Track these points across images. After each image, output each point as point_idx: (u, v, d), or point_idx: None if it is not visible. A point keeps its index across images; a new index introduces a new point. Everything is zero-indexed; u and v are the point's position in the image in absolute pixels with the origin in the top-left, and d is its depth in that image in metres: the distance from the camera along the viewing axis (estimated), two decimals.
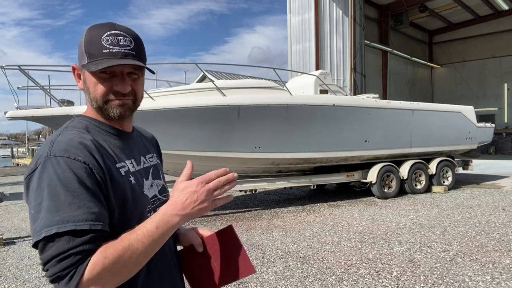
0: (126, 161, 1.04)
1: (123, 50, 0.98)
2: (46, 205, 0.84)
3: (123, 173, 1.00)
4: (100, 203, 0.89)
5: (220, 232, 1.16)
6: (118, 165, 1.00)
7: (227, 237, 1.15)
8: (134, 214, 0.99)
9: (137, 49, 1.02)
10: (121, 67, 0.99)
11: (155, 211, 1.07)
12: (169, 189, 1.20)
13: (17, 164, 31.53)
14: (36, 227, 0.84)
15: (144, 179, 1.08)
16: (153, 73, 1.08)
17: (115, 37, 0.98)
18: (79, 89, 1.05)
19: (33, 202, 0.87)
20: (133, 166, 1.06)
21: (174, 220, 0.89)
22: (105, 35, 0.98)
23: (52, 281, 0.84)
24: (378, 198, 8.72)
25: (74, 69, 1.05)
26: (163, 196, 1.15)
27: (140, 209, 1.02)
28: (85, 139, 0.96)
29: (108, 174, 0.94)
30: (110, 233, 0.90)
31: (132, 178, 1.02)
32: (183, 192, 0.90)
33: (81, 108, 6.09)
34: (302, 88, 8.63)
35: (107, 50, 0.97)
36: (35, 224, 0.84)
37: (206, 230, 1.21)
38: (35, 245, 0.85)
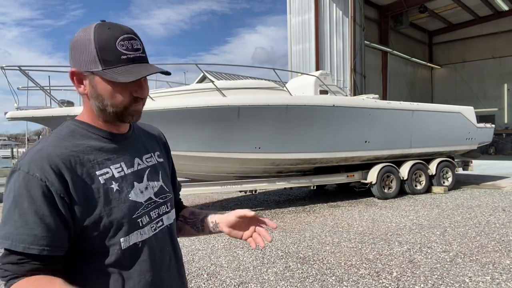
0: (112, 167, 1.00)
1: (138, 55, 0.96)
2: (2, 215, 0.89)
3: (102, 181, 0.97)
4: (46, 225, 0.88)
5: None
6: (98, 172, 0.97)
7: None
8: (114, 221, 0.96)
9: (145, 51, 1.00)
10: None
11: (149, 215, 1.05)
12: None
13: None
14: None
15: (135, 183, 1.04)
16: (169, 74, 1.06)
17: (129, 41, 0.96)
18: (81, 93, 1.00)
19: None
20: (121, 171, 1.02)
21: None
22: (119, 39, 0.94)
23: None
24: (378, 198, 8.71)
25: (73, 73, 0.98)
26: (159, 198, 1.10)
27: (122, 216, 0.98)
28: (58, 149, 0.94)
29: (75, 188, 0.92)
30: (62, 255, 0.92)
31: (114, 185, 0.99)
32: None
33: (81, 109, 6.09)
34: (302, 89, 8.63)
35: (125, 57, 0.94)
36: None
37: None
38: None
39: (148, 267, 1.03)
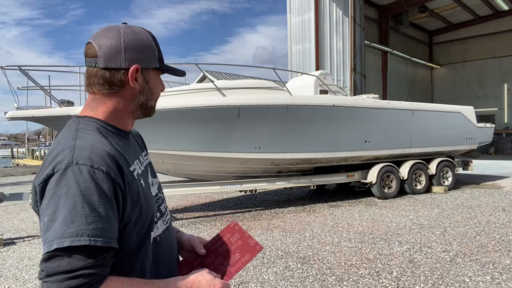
0: (135, 163, 1.04)
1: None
2: (61, 214, 0.81)
3: (136, 176, 0.99)
4: (114, 218, 0.87)
5: (223, 231, 1.20)
6: (131, 168, 0.99)
7: (230, 231, 1.20)
8: (147, 216, 0.99)
9: None
10: None
11: (159, 209, 1.09)
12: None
13: (17, 165, 31.52)
14: (48, 237, 0.80)
15: (147, 179, 1.08)
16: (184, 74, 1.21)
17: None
18: (137, 90, 1.04)
19: (47, 209, 0.83)
20: (140, 167, 1.06)
21: None
22: (153, 41, 1.07)
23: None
24: (378, 198, 8.71)
25: (137, 69, 1.01)
26: (161, 193, 1.16)
27: (152, 211, 1.02)
28: (106, 145, 0.94)
29: (126, 182, 0.92)
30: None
31: (142, 181, 1.02)
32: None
33: (81, 108, 6.09)
34: (302, 89, 8.64)
35: (162, 57, 1.10)
36: (47, 233, 0.81)
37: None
38: (45, 255, 0.81)
39: (166, 258, 1.07)
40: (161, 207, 1.10)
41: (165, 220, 1.10)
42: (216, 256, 1.14)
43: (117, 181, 0.89)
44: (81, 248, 0.79)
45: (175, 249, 1.14)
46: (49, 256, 0.79)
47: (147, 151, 1.23)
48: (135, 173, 1.00)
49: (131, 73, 1.00)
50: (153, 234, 1.02)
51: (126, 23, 1.05)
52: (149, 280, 0.91)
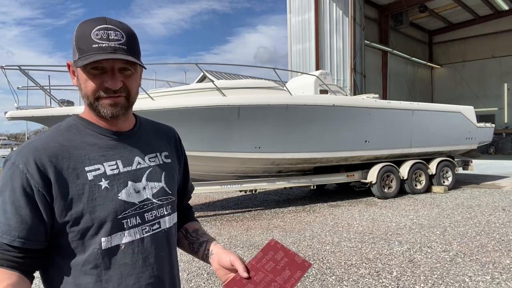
0: (105, 163, 0.99)
1: (113, 45, 0.94)
2: None
3: (90, 177, 0.96)
4: (20, 216, 0.90)
5: (264, 249, 1.12)
6: (88, 168, 0.96)
7: (272, 249, 1.12)
8: (96, 219, 0.94)
9: (129, 43, 0.97)
10: (111, 63, 0.95)
11: (142, 216, 1.01)
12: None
13: None
14: None
15: (130, 182, 1.01)
16: (144, 68, 1.05)
17: (105, 31, 0.94)
18: (75, 86, 1.04)
19: None
20: (115, 168, 1.00)
21: None
22: (95, 29, 0.94)
23: None
24: (378, 198, 8.71)
25: (68, 65, 1.03)
26: (158, 200, 1.06)
27: (106, 215, 0.95)
28: (47, 143, 0.96)
29: (58, 183, 0.92)
30: (41, 249, 0.93)
31: (103, 183, 0.97)
32: None
33: (80, 108, 6.09)
34: (302, 88, 8.63)
35: (97, 45, 0.93)
36: None
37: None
38: None
39: (129, 271, 0.98)
40: (145, 214, 1.02)
41: (145, 229, 1.02)
42: (265, 274, 1.06)
43: (34, 178, 0.91)
44: None
45: (154, 261, 1.03)
46: None
47: (173, 152, 1.19)
48: (92, 173, 0.96)
49: (68, 70, 1.04)
50: (112, 241, 0.96)
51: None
52: None
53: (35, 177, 0.90)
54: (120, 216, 0.98)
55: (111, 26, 0.96)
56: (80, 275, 0.95)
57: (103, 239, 0.95)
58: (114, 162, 1.01)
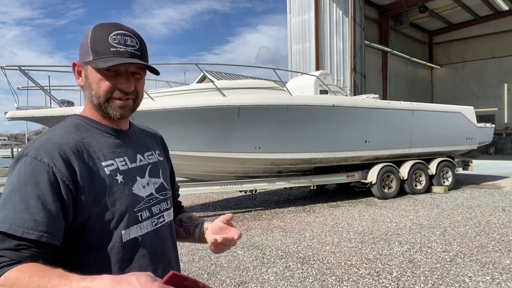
0: (116, 159, 1.03)
1: (129, 50, 1.00)
2: (1, 199, 0.89)
3: (108, 172, 0.99)
4: (48, 211, 0.88)
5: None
6: (104, 163, 1.00)
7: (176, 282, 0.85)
8: (116, 213, 0.98)
9: (142, 50, 1.04)
10: (126, 66, 1.01)
11: (150, 210, 1.07)
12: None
13: None
14: None
15: (138, 177, 1.07)
16: (158, 73, 1.09)
17: (123, 36, 1.00)
18: (78, 85, 1.08)
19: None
20: (125, 164, 1.05)
21: None
22: (112, 34, 1.00)
23: None
24: (378, 198, 8.71)
25: (74, 65, 1.06)
26: (160, 194, 1.12)
27: (125, 208, 0.99)
28: (66, 139, 0.97)
29: (82, 176, 0.94)
30: (58, 245, 0.89)
31: (119, 177, 1.01)
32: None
33: (81, 108, 6.10)
34: (302, 89, 8.64)
35: (114, 49, 0.98)
36: None
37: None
38: None
39: (148, 261, 1.03)
40: (153, 208, 1.08)
41: (154, 222, 1.07)
42: None
43: (60, 173, 0.91)
44: (1, 232, 0.85)
45: (164, 252, 1.10)
46: None
47: (162, 152, 1.24)
48: (108, 168, 1.00)
49: (72, 70, 1.06)
50: (130, 233, 0.99)
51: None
52: (64, 274, 0.81)
53: (62, 171, 0.91)
54: (136, 209, 1.03)
55: (128, 33, 1.02)
56: (103, 270, 0.91)
57: (123, 232, 0.99)
58: (122, 159, 1.05)
